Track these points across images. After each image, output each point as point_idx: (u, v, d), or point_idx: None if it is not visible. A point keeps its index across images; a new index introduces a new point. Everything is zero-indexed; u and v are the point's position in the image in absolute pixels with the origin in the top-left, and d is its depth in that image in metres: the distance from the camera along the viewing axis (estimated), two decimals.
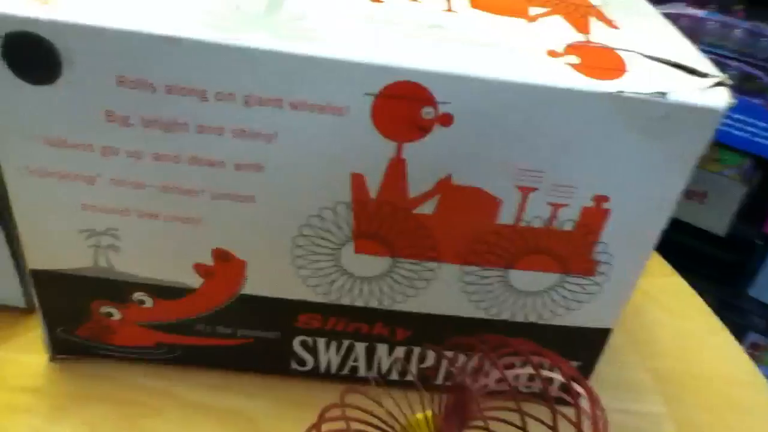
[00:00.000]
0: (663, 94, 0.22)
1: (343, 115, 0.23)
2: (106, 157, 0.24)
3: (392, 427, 0.23)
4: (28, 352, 0.31)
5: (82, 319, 0.29)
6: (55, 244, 0.26)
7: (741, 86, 0.61)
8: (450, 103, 0.22)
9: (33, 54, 0.21)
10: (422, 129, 0.23)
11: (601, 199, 0.25)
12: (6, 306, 0.33)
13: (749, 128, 0.59)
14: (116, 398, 0.30)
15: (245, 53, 0.21)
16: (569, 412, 0.22)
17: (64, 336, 0.30)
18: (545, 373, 0.24)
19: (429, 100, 0.22)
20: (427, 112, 0.23)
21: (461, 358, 0.24)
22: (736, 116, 0.59)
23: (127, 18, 0.21)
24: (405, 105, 0.22)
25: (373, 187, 0.24)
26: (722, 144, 0.63)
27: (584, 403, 0.22)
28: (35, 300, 0.28)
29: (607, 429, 0.22)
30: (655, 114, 0.22)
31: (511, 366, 0.25)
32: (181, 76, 0.22)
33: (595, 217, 0.25)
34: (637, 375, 0.35)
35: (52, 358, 0.31)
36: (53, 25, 0.21)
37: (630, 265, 0.27)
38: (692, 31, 0.66)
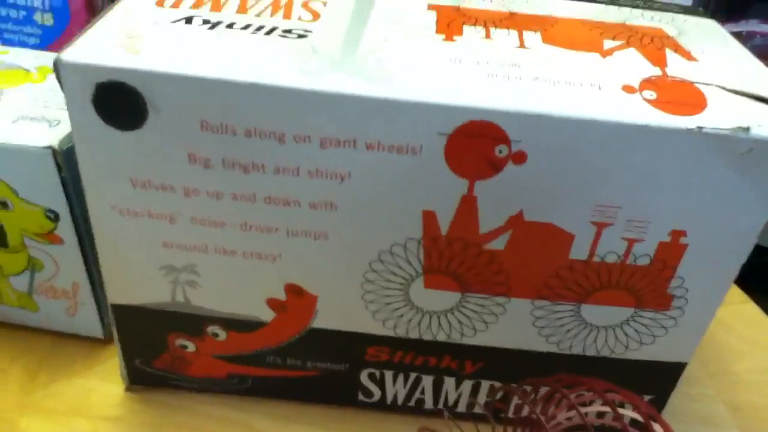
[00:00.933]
0: (746, 129, 0.21)
1: (416, 155, 0.23)
2: (188, 197, 0.25)
3: None
4: (106, 381, 0.32)
5: (159, 350, 0.30)
6: (136, 280, 0.27)
7: None
8: (523, 141, 0.22)
9: (121, 102, 0.23)
10: (495, 167, 0.23)
11: (678, 233, 0.24)
12: (85, 336, 0.34)
13: None
14: (191, 427, 0.30)
15: (323, 97, 0.22)
16: None
17: (141, 367, 0.31)
18: (620, 410, 0.24)
19: (502, 138, 0.22)
20: (500, 150, 0.23)
21: (533, 393, 0.24)
22: None
23: (210, 65, 0.22)
24: (478, 143, 0.22)
25: (444, 223, 0.25)
26: None
27: None
28: (114, 332, 0.30)
29: None
30: (738, 149, 0.22)
31: (584, 403, 0.24)
32: (260, 120, 0.23)
33: (672, 252, 0.25)
34: (712, 408, 0.34)
35: (129, 388, 0.32)
36: (141, 74, 0.22)
37: (707, 299, 0.26)
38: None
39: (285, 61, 0.23)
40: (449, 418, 0.27)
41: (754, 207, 0.23)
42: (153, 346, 0.30)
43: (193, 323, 0.29)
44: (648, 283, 0.26)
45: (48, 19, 0.42)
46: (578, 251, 0.25)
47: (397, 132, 0.22)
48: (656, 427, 0.23)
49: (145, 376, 0.31)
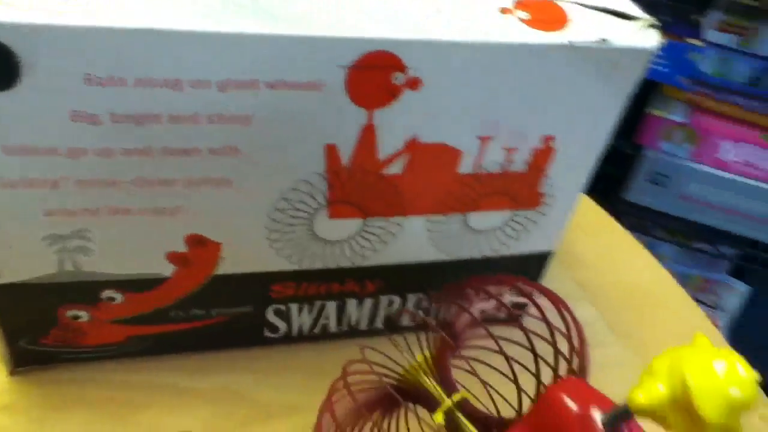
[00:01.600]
0: (605, 40, 0.24)
1: (319, 90, 0.23)
2: (73, 158, 0.23)
3: (397, 372, 0.25)
4: None
5: (48, 326, 0.28)
6: (16, 256, 0.25)
7: None
8: (417, 68, 0.24)
9: None
10: (392, 94, 0.24)
11: (548, 139, 0.27)
12: None
13: None
14: (98, 400, 0.29)
15: (220, 38, 0.21)
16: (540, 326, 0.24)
17: (26, 347, 0.28)
18: (513, 298, 0.27)
19: (399, 66, 0.23)
20: (397, 77, 0.24)
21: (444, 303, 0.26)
22: None
23: (92, 14, 0.20)
24: (376, 73, 0.23)
25: (345, 155, 0.25)
26: None
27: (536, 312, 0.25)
28: None
29: (581, 330, 0.24)
30: (601, 58, 0.25)
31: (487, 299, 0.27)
32: (153, 68, 0.21)
33: (543, 155, 0.28)
34: (565, 285, 0.39)
35: (13, 372, 0.30)
36: (13, 28, 0.20)
37: (570, 193, 0.30)
38: None
39: (175, 4, 0.21)
40: (389, 336, 0.28)
41: (610, 108, 0.27)
42: (41, 323, 0.28)
43: (86, 291, 0.27)
44: (524, 186, 0.29)
45: None
46: (466, 165, 0.27)
47: (298, 69, 0.22)
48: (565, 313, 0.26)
49: (32, 356, 0.29)
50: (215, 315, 0.30)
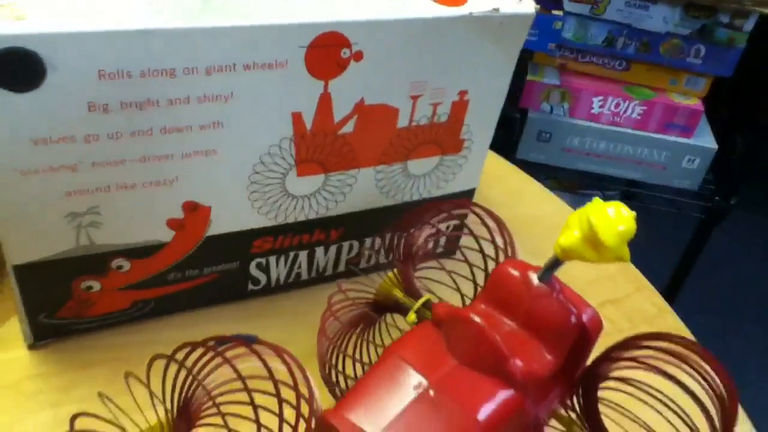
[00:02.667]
0: (497, 9, 0.31)
1: (284, 67, 0.29)
2: (89, 143, 0.27)
3: (371, 293, 0.31)
4: (2, 351, 0.33)
5: (63, 300, 0.32)
6: (39, 235, 0.29)
7: None
8: (360, 43, 0.30)
9: (18, 65, 0.24)
10: (342, 66, 0.30)
11: (463, 93, 0.34)
12: None
13: None
14: (102, 361, 0.33)
15: (206, 32, 0.27)
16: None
17: (45, 321, 0.33)
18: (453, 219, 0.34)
19: (346, 43, 0.30)
20: (345, 52, 0.30)
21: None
22: None
23: (101, 19, 0.25)
24: (329, 50, 0.29)
25: (308, 120, 0.31)
26: None
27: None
28: (16, 293, 0.31)
29: (504, 225, 0.31)
30: (495, 24, 0.32)
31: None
32: (153, 61, 0.26)
33: (460, 107, 0.35)
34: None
35: (32, 346, 0.33)
36: (38, 37, 0.24)
37: (484, 138, 0.37)
38: None
39: (162, 7, 0.27)
40: (359, 271, 0.34)
41: (506, 65, 0.34)
42: (57, 297, 0.32)
43: (98, 262, 0.31)
44: (448, 134, 0.36)
45: None
46: (402, 121, 0.34)
47: (267, 52, 0.28)
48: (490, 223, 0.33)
49: (50, 330, 0.33)
50: (207, 273, 0.35)
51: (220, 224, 0.33)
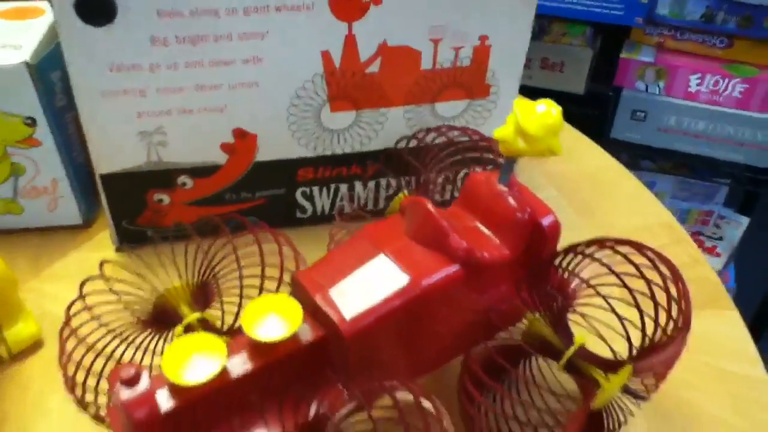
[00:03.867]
0: None
1: (310, 10, 0.34)
2: (153, 72, 0.34)
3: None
4: (96, 251, 0.41)
5: (140, 209, 0.39)
6: (118, 149, 0.37)
7: None
8: None
9: (95, 4, 0.32)
10: (363, 9, 0.35)
11: (484, 38, 0.38)
12: (66, 225, 0.42)
13: (584, 2, 0.75)
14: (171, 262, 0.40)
15: None
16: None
17: (127, 227, 0.40)
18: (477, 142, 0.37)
19: None
20: None
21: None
22: None
23: None
24: None
25: (336, 59, 0.36)
26: (567, 19, 0.79)
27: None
28: (103, 200, 0.38)
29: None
30: None
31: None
32: (200, 2, 0.33)
33: (482, 52, 0.38)
34: (534, 176, 0.49)
35: (118, 249, 0.41)
36: None
37: (511, 84, 0.40)
38: None
39: None
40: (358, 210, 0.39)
41: (524, 12, 0.37)
42: (136, 206, 0.39)
43: (166, 177, 0.38)
44: (473, 79, 0.39)
45: None
46: (426, 63, 0.38)
47: None
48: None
49: (131, 235, 0.40)
50: (258, 197, 0.41)
51: (266, 152, 0.39)
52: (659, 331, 0.27)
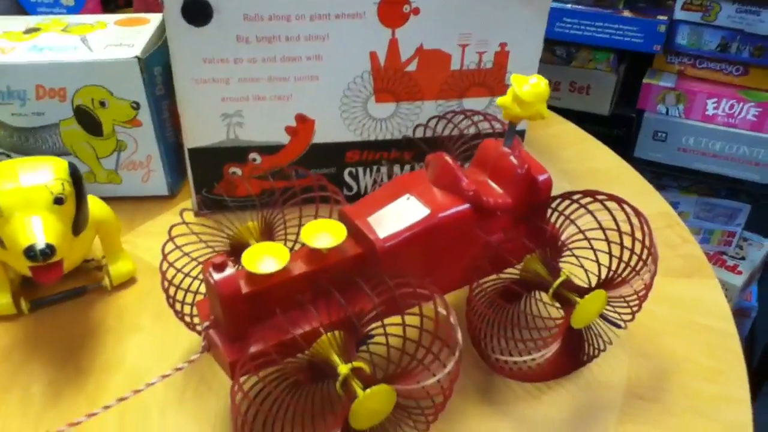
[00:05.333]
0: None
1: (362, 18, 0.43)
2: (236, 64, 0.43)
3: None
4: (179, 215, 0.50)
5: (217, 179, 0.48)
6: (204, 128, 0.45)
7: (596, 2, 0.85)
8: (416, 2, 0.43)
9: (197, 9, 0.41)
10: (404, 18, 0.43)
11: (503, 45, 0.46)
12: (154, 196, 0.51)
13: (608, 30, 0.82)
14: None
15: None
16: None
17: (205, 195, 0.49)
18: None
19: (407, 1, 0.43)
20: (406, 8, 0.43)
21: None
22: (599, 23, 0.82)
23: None
24: (395, 6, 0.43)
25: (381, 59, 0.45)
26: (593, 46, 0.86)
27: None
28: (189, 171, 0.47)
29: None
30: None
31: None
32: (276, 9, 0.41)
33: (502, 57, 0.46)
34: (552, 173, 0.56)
35: (197, 214, 0.50)
36: None
37: None
38: None
39: None
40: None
41: (537, 24, 0.45)
42: (213, 177, 0.48)
43: (240, 153, 0.47)
44: (494, 79, 0.47)
45: (70, 1, 0.58)
46: (455, 65, 0.46)
47: (351, 6, 0.42)
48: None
49: (208, 203, 0.49)
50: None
51: (322, 135, 0.47)
52: (623, 265, 0.33)
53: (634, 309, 0.36)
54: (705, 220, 0.92)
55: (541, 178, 0.35)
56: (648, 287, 0.35)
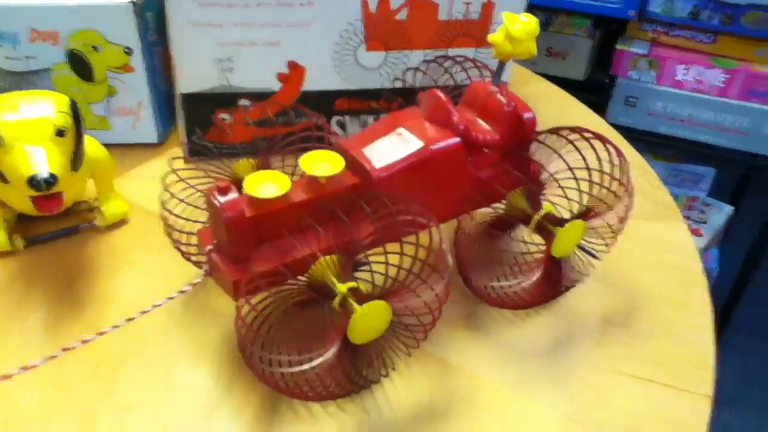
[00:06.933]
0: None
1: None
2: (230, 8, 0.44)
3: None
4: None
5: (208, 126, 0.49)
6: (197, 73, 0.46)
7: None
8: None
9: None
10: None
11: None
12: (144, 144, 0.52)
13: None
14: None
15: None
16: None
17: (197, 141, 0.50)
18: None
19: None
20: None
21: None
22: None
23: None
24: None
25: (372, 7, 0.46)
26: (571, 11, 0.89)
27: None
28: (181, 116, 0.48)
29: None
30: None
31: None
32: None
33: (488, 8, 0.48)
34: None
35: (187, 160, 0.51)
36: None
37: None
38: None
39: None
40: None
41: None
42: (205, 123, 0.49)
43: (231, 99, 0.48)
44: (480, 30, 0.49)
45: None
46: (442, 14, 0.47)
47: None
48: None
49: (199, 149, 0.50)
50: (302, 121, 0.50)
51: (312, 82, 0.48)
52: (605, 192, 0.36)
53: (609, 242, 0.38)
54: (672, 185, 0.95)
55: (527, 116, 0.37)
56: (623, 220, 0.37)
